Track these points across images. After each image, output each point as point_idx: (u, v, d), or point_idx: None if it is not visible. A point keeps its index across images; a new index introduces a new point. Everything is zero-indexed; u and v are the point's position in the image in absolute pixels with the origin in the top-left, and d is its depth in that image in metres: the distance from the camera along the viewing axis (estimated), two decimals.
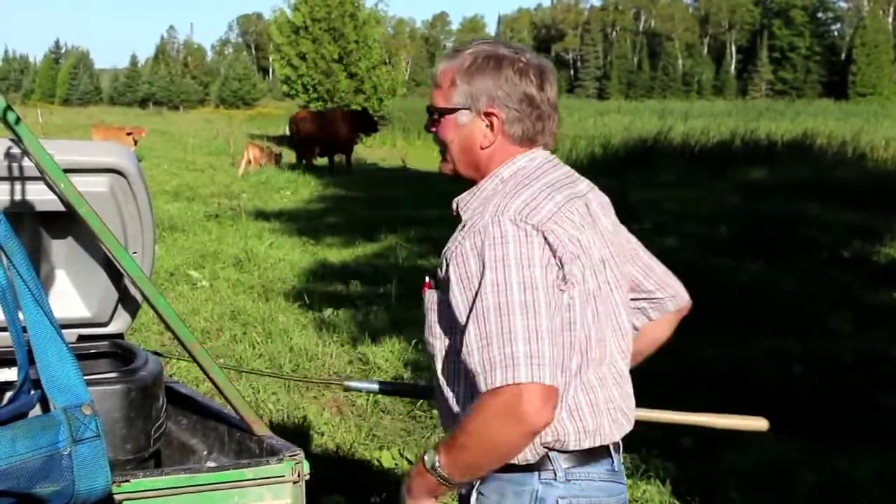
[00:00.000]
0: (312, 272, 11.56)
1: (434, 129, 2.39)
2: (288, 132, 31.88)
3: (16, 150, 2.41)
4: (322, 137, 27.92)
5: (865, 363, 7.55)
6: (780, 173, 20.66)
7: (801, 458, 5.71)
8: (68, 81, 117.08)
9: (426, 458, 2.16)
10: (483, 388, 2.06)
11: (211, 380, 2.57)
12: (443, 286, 2.25)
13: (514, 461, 2.18)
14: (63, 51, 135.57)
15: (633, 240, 2.52)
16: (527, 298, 2.07)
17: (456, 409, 2.27)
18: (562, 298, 2.14)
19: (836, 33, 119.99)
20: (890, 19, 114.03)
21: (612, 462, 2.29)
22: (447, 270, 2.21)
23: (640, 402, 2.45)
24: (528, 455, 2.18)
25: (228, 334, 8.61)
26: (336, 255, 12.75)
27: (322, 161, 28.14)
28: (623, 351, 2.33)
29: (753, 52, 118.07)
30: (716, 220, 14.27)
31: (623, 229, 2.48)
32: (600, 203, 2.38)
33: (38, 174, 2.39)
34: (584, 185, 2.37)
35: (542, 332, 2.06)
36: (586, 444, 2.22)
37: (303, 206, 18.58)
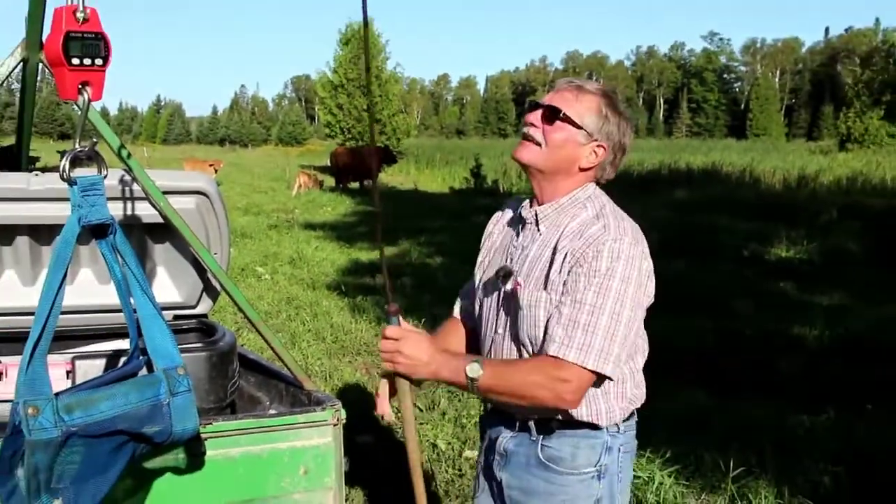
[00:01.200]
0: (347, 268, 11.55)
1: (541, 122, 2.16)
2: (329, 163, 31.89)
3: (128, 178, 2.40)
4: (354, 167, 27.92)
5: (762, 336, 7.55)
6: (697, 193, 20.60)
7: (713, 407, 5.71)
8: (166, 126, 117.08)
9: (470, 368, 2.03)
10: (553, 353, 2.02)
11: (272, 348, 2.57)
12: (553, 282, 2.09)
13: (597, 422, 2.15)
14: (162, 103, 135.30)
15: None
16: (615, 308, 2.02)
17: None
18: (642, 310, 2.12)
19: (737, 89, 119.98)
20: (777, 79, 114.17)
21: (637, 419, 2.30)
22: (576, 263, 2.05)
23: None
24: (617, 416, 2.18)
25: (285, 314, 8.60)
26: (365, 255, 12.74)
27: (354, 185, 28.13)
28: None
29: (676, 104, 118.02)
30: (649, 229, 14.07)
31: None
32: None
33: (144, 195, 2.39)
34: None
35: (617, 336, 2.02)
36: (635, 408, 2.24)
37: (340, 219, 18.55)
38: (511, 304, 2.19)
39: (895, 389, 6.16)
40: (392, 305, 2.05)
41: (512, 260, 2.24)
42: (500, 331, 2.23)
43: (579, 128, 2.14)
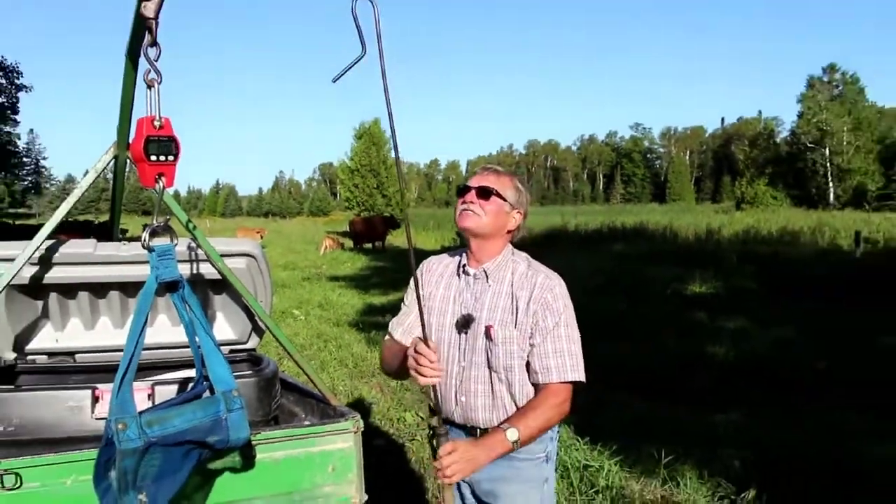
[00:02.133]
0: (364, 310, 11.50)
1: (477, 199, 2.18)
2: (348, 230, 31.96)
3: (193, 245, 2.42)
4: (367, 233, 28.01)
5: (686, 357, 7.52)
6: (630, 247, 20.71)
7: (647, 411, 5.67)
8: (223, 203, 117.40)
9: (510, 433, 1.99)
10: (556, 379, 2.07)
11: (305, 373, 2.56)
12: (522, 322, 2.10)
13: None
14: (220, 185, 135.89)
15: None
16: (576, 330, 2.14)
17: (512, 408, 2.13)
18: None
19: (658, 165, 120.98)
20: (687, 157, 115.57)
21: None
22: (539, 306, 2.09)
23: None
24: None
25: (316, 347, 8.55)
26: (378, 299, 12.71)
27: (368, 246, 28.17)
28: None
29: (612, 178, 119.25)
30: (595, 274, 14.26)
31: None
32: None
33: (205, 257, 2.41)
34: None
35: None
36: None
37: (358, 272, 18.54)
38: (479, 341, 2.15)
39: (785, 392, 6.16)
40: (442, 428, 1.97)
41: (468, 307, 2.20)
42: (465, 362, 2.18)
43: (505, 200, 2.19)
